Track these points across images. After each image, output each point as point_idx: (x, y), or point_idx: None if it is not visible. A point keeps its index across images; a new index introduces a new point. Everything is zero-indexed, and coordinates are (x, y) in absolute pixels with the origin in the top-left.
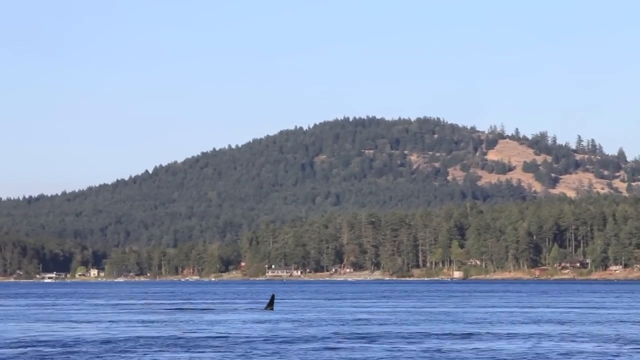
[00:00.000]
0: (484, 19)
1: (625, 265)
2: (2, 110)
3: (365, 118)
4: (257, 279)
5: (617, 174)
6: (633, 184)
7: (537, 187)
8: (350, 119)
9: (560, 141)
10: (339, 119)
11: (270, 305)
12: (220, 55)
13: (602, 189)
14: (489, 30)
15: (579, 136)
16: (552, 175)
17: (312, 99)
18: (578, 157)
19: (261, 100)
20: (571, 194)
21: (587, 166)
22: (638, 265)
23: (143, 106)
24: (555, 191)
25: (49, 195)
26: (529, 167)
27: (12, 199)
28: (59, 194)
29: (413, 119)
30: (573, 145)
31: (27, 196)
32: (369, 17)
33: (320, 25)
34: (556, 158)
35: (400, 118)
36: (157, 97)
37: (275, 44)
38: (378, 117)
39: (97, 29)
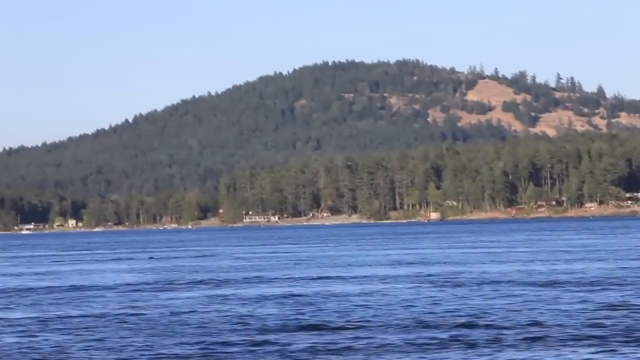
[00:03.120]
0: None
1: (601, 202)
2: None
3: (345, 62)
4: (235, 225)
5: (597, 111)
6: (613, 120)
7: (517, 126)
8: (330, 63)
9: (540, 80)
10: (318, 63)
11: None
12: (199, 1)
13: (582, 126)
14: None
15: (558, 74)
16: (532, 114)
17: (291, 44)
18: (557, 95)
19: (240, 46)
20: (551, 132)
21: (567, 104)
22: (613, 202)
23: (122, 55)
24: (536, 130)
25: (29, 146)
26: (508, 107)
27: None
28: (39, 145)
29: (392, 61)
30: (552, 84)
31: (7, 148)
32: None
33: None
34: (536, 97)
35: (379, 61)
36: (136, 45)
37: None
38: (357, 60)
39: None
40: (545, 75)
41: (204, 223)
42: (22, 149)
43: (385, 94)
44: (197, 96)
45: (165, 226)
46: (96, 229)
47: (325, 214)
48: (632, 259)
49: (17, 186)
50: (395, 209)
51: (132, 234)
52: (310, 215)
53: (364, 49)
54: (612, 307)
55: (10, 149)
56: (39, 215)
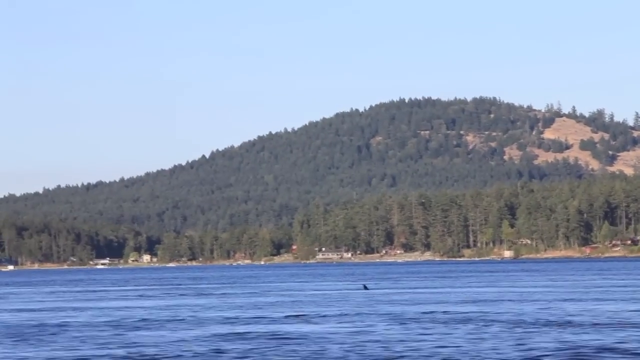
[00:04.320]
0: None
1: None
2: (59, 97)
3: (421, 99)
4: (308, 261)
5: None
6: None
7: (595, 165)
8: (406, 100)
9: (618, 118)
10: (395, 100)
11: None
12: (274, 38)
13: None
14: (541, 10)
15: (637, 112)
16: (610, 152)
17: (367, 81)
18: (636, 133)
19: (317, 82)
20: (629, 171)
21: None
22: None
23: (199, 91)
24: (613, 169)
25: (107, 181)
26: (586, 145)
27: (70, 186)
28: (117, 180)
29: (469, 99)
30: (631, 122)
31: (85, 183)
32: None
33: (374, 9)
34: (613, 135)
35: (456, 98)
36: (213, 81)
37: (330, 27)
38: (434, 97)
39: (151, 13)
40: (623, 114)
41: (276, 259)
42: (100, 184)
43: (462, 132)
44: (273, 132)
45: (238, 262)
46: (170, 264)
47: (398, 251)
48: None
49: (94, 221)
50: (468, 246)
51: (205, 269)
52: (383, 252)
53: (440, 86)
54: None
55: (89, 184)
56: (114, 250)
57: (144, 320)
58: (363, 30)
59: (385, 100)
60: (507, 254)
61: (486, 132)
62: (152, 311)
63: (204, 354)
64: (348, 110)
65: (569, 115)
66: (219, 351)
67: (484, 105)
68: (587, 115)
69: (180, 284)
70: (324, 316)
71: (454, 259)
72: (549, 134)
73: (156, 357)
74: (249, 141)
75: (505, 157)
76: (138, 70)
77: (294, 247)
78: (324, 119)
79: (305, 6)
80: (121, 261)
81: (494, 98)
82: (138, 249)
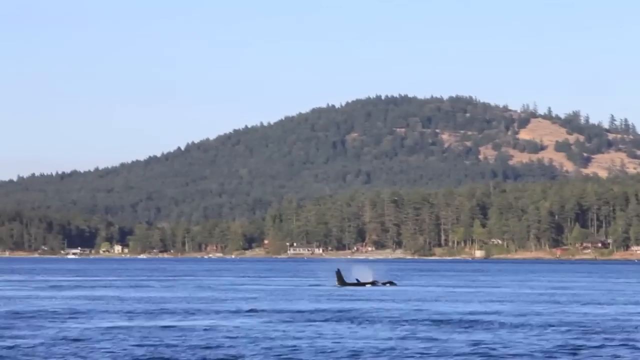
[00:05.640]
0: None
1: None
2: (37, 86)
3: (397, 96)
4: (279, 256)
5: None
6: None
7: (569, 166)
8: (382, 97)
9: (593, 120)
10: (371, 97)
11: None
12: (252, 32)
13: (635, 168)
14: (520, 9)
15: (612, 115)
16: (584, 154)
17: (344, 77)
18: (611, 136)
19: (293, 77)
20: (603, 173)
21: (620, 145)
22: None
23: (175, 83)
24: (588, 171)
25: (82, 171)
26: (561, 147)
27: (45, 175)
28: (92, 170)
29: (445, 97)
30: (606, 125)
31: (59, 172)
32: None
33: (352, 6)
34: (588, 137)
35: (432, 96)
36: (189, 73)
37: (307, 22)
38: (410, 95)
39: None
40: (598, 116)
41: (248, 253)
42: (74, 173)
43: (437, 130)
44: (249, 126)
45: (210, 255)
46: (141, 256)
47: (369, 248)
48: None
49: (67, 210)
50: (440, 245)
51: (169, 262)
52: (355, 249)
53: (417, 84)
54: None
55: (64, 173)
56: (86, 240)
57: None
58: (340, 27)
59: (362, 96)
60: (478, 253)
61: (462, 131)
62: (40, 302)
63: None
64: (324, 105)
65: (544, 117)
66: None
67: (460, 104)
68: (562, 116)
69: (119, 277)
70: (193, 313)
71: (425, 257)
72: (524, 135)
73: None
74: (225, 134)
75: (480, 157)
76: (115, 60)
77: (266, 241)
78: (300, 114)
79: (283, 2)
80: (92, 251)
81: (470, 97)
82: (110, 240)
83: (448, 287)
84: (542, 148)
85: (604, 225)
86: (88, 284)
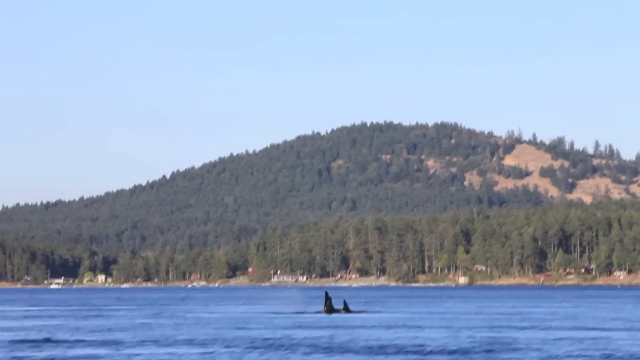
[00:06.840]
0: (499, 25)
1: (630, 271)
2: (21, 115)
3: (382, 123)
4: (263, 284)
5: (635, 179)
6: None
7: (554, 192)
8: (367, 124)
9: (578, 146)
10: (356, 124)
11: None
12: (237, 60)
13: (620, 194)
14: (504, 36)
15: (597, 141)
16: (569, 180)
17: (329, 104)
18: (595, 162)
19: (278, 105)
20: (587, 199)
21: (605, 171)
22: None
23: (160, 112)
24: (573, 196)
25: (66, 200)
26: (546, 172)
27: (29, 204)
28: (77, 199)
29: (430, 124)
30: (590, 150)
31: (44, 202)
32: (383, 24)
33: (337, 33)
34: (573, 163)
35: (417, 123)
36: (173, 102)
37: (292, 50)
38: (395, 122)
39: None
40: (583, 142)
41: (232, 282)
42: (59, 202)
43: (423, 157)
44: (234, 154)
45: (194, 284)
46: (124, 285)
47: (353, 275)
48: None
49: (50, 240)
50: (424, 272)
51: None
52: (339, 276)
53: (402, 110)
54: None
55: (48, 202)
56: (69, 269)
57: None
58: (326, 54)
59: (347, 123)
60: (462, 280)
61: (447, 157)
62: None
63: None
64: (310, 133)
65: (529, 142)
66: None
67: (445, 131)
68: (547, 142)
69: (86, 306)
70: (142, 341)
71: (408, 284)
72: (509, 160)
73: None
74: (210, 162)
75: (466, 183)
76: (100, 89)
77: (250, 269)
78: (285, 141)
79: (268, 29)
80: (76, 281)
81: (455, 123)
82: (93, 269)
83: (403, 314)
84: (527, 174)
85: (587, 250)
86: None
